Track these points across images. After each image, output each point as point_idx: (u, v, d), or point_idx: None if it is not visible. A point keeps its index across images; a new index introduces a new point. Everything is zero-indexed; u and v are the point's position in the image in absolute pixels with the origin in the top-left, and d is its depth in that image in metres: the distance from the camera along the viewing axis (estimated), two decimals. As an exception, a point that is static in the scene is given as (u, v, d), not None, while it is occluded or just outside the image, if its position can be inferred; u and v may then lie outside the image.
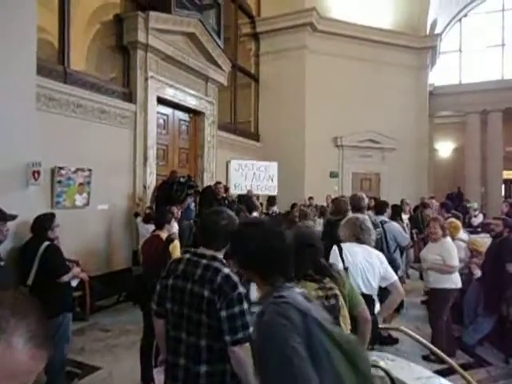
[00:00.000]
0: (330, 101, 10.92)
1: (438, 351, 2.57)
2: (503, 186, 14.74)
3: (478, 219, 8.61)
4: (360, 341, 2.02)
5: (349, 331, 1.88)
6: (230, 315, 1.66)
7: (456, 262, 3.91)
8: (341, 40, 11.16)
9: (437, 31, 13.65)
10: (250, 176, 7.71)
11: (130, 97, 6.44)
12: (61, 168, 5.00)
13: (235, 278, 1.73)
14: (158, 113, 7.04)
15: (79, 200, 5.33)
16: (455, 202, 9.80)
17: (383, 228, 4.23)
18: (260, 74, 11.38)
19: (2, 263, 2.62)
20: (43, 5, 5.36)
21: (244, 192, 7.28)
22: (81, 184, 5.32)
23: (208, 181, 8.16)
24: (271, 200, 7.34)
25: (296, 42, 10.79)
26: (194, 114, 8.30)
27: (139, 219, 5.76)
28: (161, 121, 7.32)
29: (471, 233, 5.66)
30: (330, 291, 1.87)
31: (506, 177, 14.88)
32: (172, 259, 2.14)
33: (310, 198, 9.71)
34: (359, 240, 2.51)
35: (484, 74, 14.39)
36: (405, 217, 7.25)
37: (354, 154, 11.69)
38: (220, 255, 1.84)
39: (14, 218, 2.78)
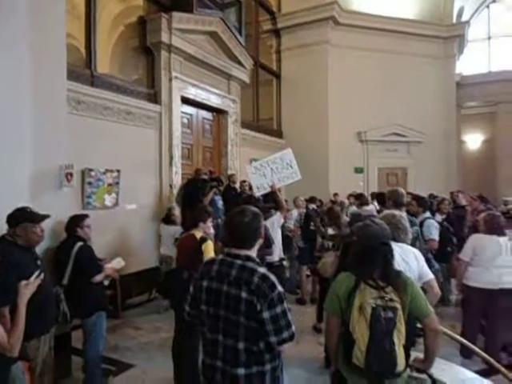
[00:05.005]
0: (354, 95, 10.71)
1: (480, 351, 2.47)
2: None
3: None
4: (427, 354, 1.94)
5: (402, 346, 1.79)
6: (273, 316, 1.63)
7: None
8: (364, 32, 10.91)
9: (464, 19, 13.18)
10: (269, 173, 7.67)
11: (154, 97, 6.51)
12: (91, 170, 5.12)
13: (272, 278, 1.70)
14: (182, 112, 7.09)
15: (108, 200, 5.44)
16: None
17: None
18: (282, 71, 11.30)
19: (39, 262, 2.67)
20: (69, 12, 5.47)
21: (267, 191, 7.27)
22: (110, 184, 5.43)
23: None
24: (312, 199, 7.37)
25: (318, 36, 10.64)
26: (218, 112, 8.33)
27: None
28: (185, 120, 7.37)
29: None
30: (389, 302, 1.80)
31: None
32: (205, 260, 2.13)
33: (335, 195, 9.60)
34: (394, 239, 2.43)
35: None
36: (439, 217, 5.89)
37: (378, 148, 11.44)
38: (253, 253, 1.81)
39: (44, 217, 2.66)
